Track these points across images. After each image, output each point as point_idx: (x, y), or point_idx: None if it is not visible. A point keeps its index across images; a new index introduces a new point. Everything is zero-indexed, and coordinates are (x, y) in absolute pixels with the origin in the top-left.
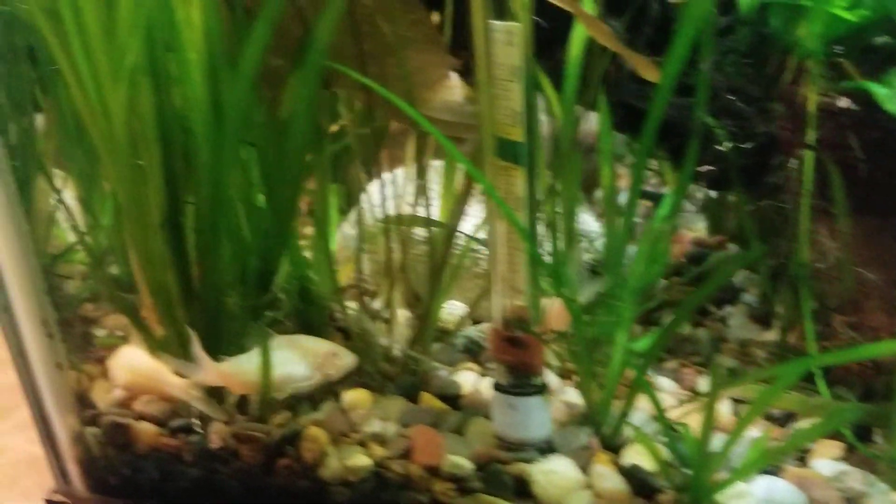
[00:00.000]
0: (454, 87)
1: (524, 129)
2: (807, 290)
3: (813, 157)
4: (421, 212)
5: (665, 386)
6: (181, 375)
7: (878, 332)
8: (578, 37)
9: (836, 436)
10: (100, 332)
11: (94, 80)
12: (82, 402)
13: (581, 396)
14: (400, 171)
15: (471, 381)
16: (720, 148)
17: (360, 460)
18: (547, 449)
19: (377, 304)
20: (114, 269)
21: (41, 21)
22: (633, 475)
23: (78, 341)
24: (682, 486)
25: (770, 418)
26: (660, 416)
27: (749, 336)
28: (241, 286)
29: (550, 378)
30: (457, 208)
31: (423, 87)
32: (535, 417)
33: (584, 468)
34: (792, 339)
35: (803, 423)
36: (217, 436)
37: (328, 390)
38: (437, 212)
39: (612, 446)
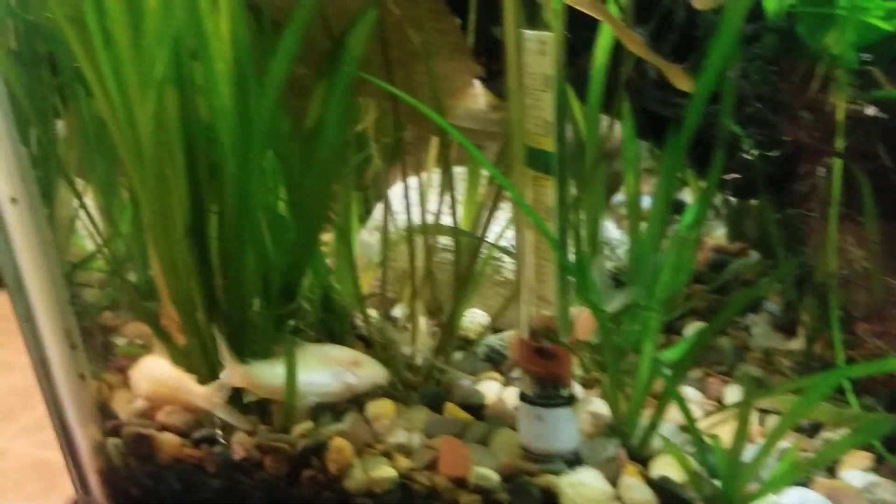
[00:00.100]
0: (478, 95)
1: (556, 139)
2: (834, 300)
3: (841, 165)
4: (444, 219)
5: (690, 396)
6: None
7: None
8: (603, 45)
9: (865, 446)
10: (119, 341)
11: (120, 89)
12: (103, 412)
13: (608, 407)
14: (418, 179)
15: (494, 390)
16: (746, 156)
17: (386, 472)
18: (574, 460)
19: (398, 312)
20: (132, 277)
21: (66, 29)
22: (662, 487)
23: (98, 350)
24: (712, 498)
25: (798, 429)
26: (691, 426)
27: (773, 345)
28: (264, 295)
29: (575, 388)
30: (483, 217)
31: (447, 95)
32: (563, 429)
33: (613, 480)
34: (817, 348)
35: (831, 434)
36: (240, 446)
37: (352, 400)
38: (459, 219)
39: (641, 457)
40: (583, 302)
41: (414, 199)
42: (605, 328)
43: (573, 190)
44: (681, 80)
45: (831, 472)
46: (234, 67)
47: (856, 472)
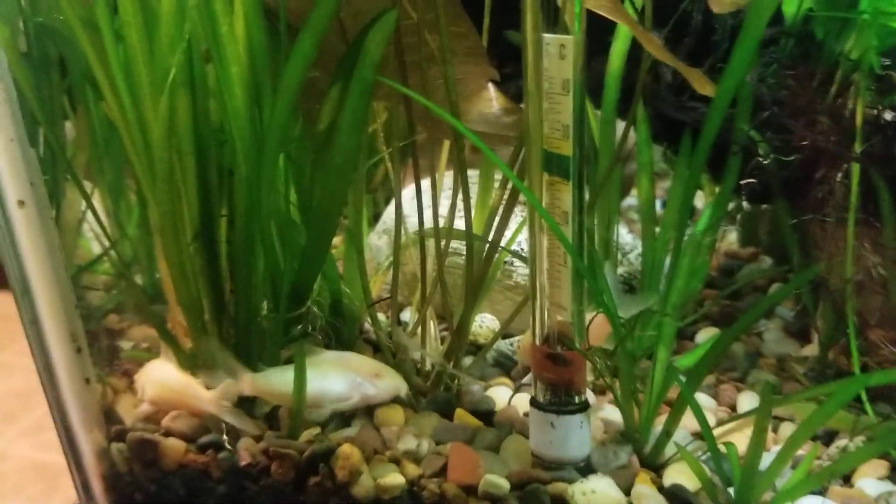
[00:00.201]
0: (491, 99)
1: (574, 143)
2: (851, 306)
3: (859, 169)
4: (456, 223)
5: (703, 402)
6: (211, 387)
7: None
8: (619, 49)
9: (880, 454)
10: (125, 345)
11: (131, 91)
12: (108, 416)
13: (621, 413)
14: (430, 181)
15: (504, 396)
16: (762, 160)
17: (394, 479)
18: (586, 468)
19: (406, 316)
20: (137, 280)
21: (77, 31)
22: (675, 495)
23: (103, 353)
24: None
25: (813, 437)
26: (706, 434)
27: (786, 351)
28: (273, 300)
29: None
30: (497, 222)
31: (461, 98)
32: (576, 436)
33: (626, 488)
34: (831, 354)
35: (846, 441)
36: (247, 452)
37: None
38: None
39: (653, 465)
40: (598, 307)
41: (425, 202)
42: (619, 334)
43: (587, 194)
44: (703, 84)
45: (847, 480)
46: (249, 71)
47: (871, 480)
